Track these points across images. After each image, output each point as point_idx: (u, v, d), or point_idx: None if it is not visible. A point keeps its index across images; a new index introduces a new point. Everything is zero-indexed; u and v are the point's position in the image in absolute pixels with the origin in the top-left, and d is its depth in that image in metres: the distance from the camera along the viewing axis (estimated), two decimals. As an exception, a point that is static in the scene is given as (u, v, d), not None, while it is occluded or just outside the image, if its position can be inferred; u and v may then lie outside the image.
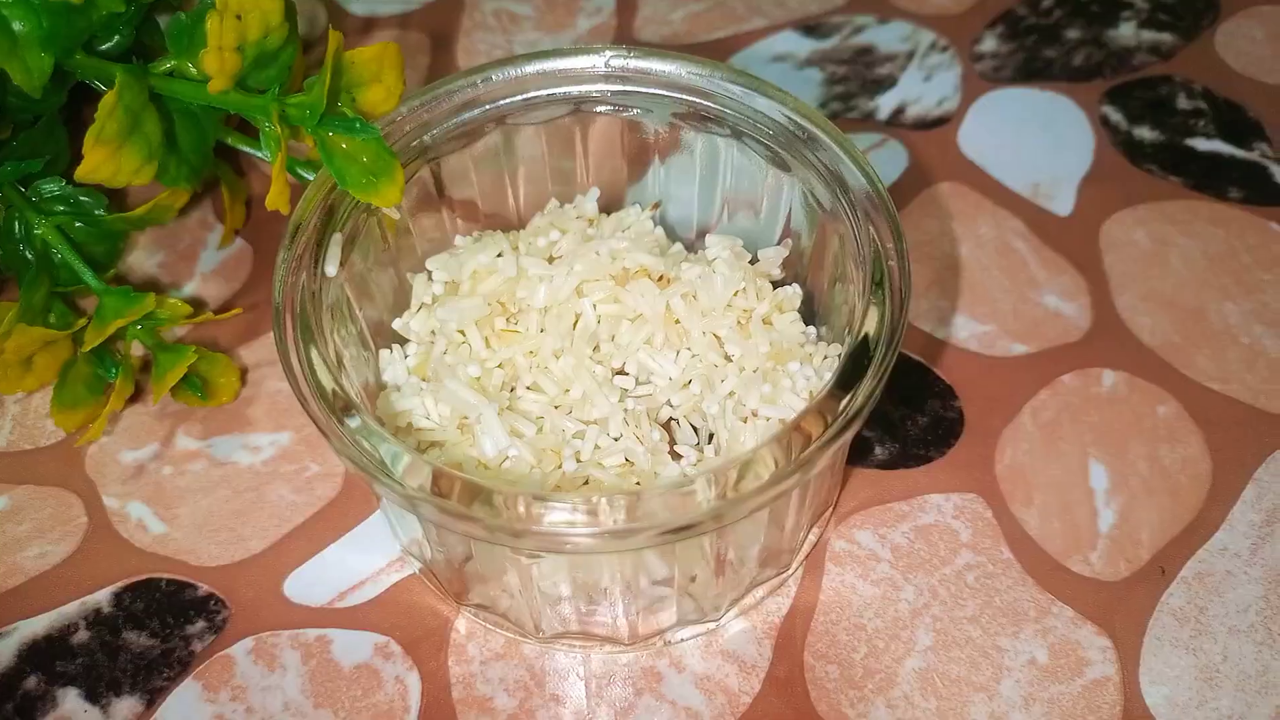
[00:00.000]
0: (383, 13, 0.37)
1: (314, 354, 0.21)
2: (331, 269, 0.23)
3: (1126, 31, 0.37)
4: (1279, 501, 0.26)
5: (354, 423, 0.20)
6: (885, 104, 0.35)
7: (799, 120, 0.25)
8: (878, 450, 0.27)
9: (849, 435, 0.21)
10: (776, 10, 0.37)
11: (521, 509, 0.19)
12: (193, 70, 0.24)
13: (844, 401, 0.21)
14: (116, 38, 0.25)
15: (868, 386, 0.21)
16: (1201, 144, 0.34)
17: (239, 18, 0.21)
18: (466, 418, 0.24)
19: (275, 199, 0.22)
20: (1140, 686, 0.24)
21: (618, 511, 0.19)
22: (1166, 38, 0.37)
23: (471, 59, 0.36)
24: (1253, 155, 0.33)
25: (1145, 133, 0.34)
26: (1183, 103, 0.35)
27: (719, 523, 0.20)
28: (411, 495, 0.20)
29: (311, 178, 0.27)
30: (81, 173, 0.22)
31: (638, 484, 0.23)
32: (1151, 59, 0.36)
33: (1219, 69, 0.36)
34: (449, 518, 0.19)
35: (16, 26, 0.22)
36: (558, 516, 0.19)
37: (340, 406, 0.20)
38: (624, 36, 0.37)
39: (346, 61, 0.23)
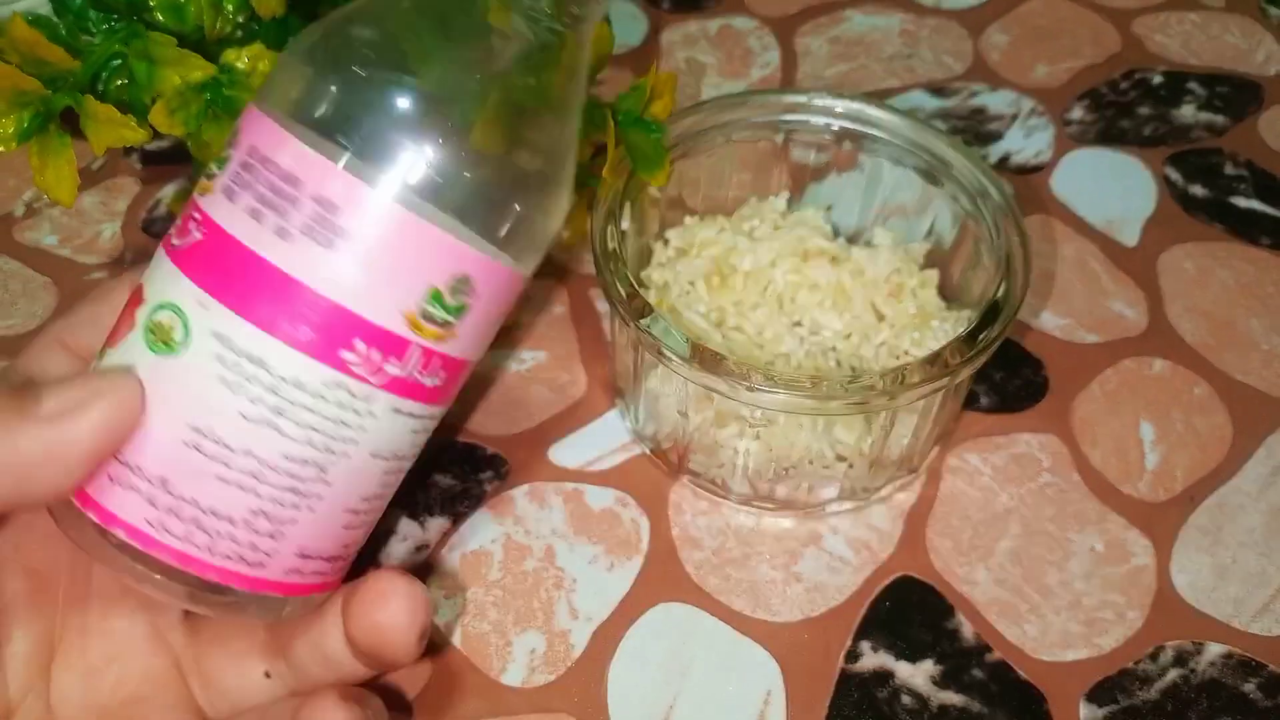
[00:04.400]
0: (602, 53, 0.48)
1: (616, 273, 0.31)
2: (625, 224, 0.33)
3: (1187, 112, 0.46)
4: (1282, 462, 0.35)
5: (645, 320, 0.30)
6: (994, 152, 0.44)
7: (951, 151, 0.34)
8: (984, 400, 0.36)
9: (980, 361, 0.30)
10: (908, 74, 0.48)
11: (756, 375, 0.29)
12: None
13: (979, 339, 0.30)
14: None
15: (996, 330, 0.30)
16: (1241, 201, 0.43)
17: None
18: (699, 339, 0.33)
19: (609, 170, 0.32)
20: (1170, 573, 0.32)
21: (818, 384, 0.29)
22: (1219, 119, 0.46)
23: (667, 93, 0.47)
24: (1281, 214, 0.43)
25: (1198, 190, 0.43)
26: (1229, 169, 0.44)
27: (890, 404, 0.29)
28: (685, 360, 0.29)
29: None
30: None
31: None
32: (1206, 134, 0.46)
33: (1260, 146, 0.45)
34: (708, 376, 0.29)
35: None
36: (778, 380, 0.29)
37: (638, 307, 0.30)
38: (786, 85, 0.47)
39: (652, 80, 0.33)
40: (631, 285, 0.30)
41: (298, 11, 0.33)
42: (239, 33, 0.33)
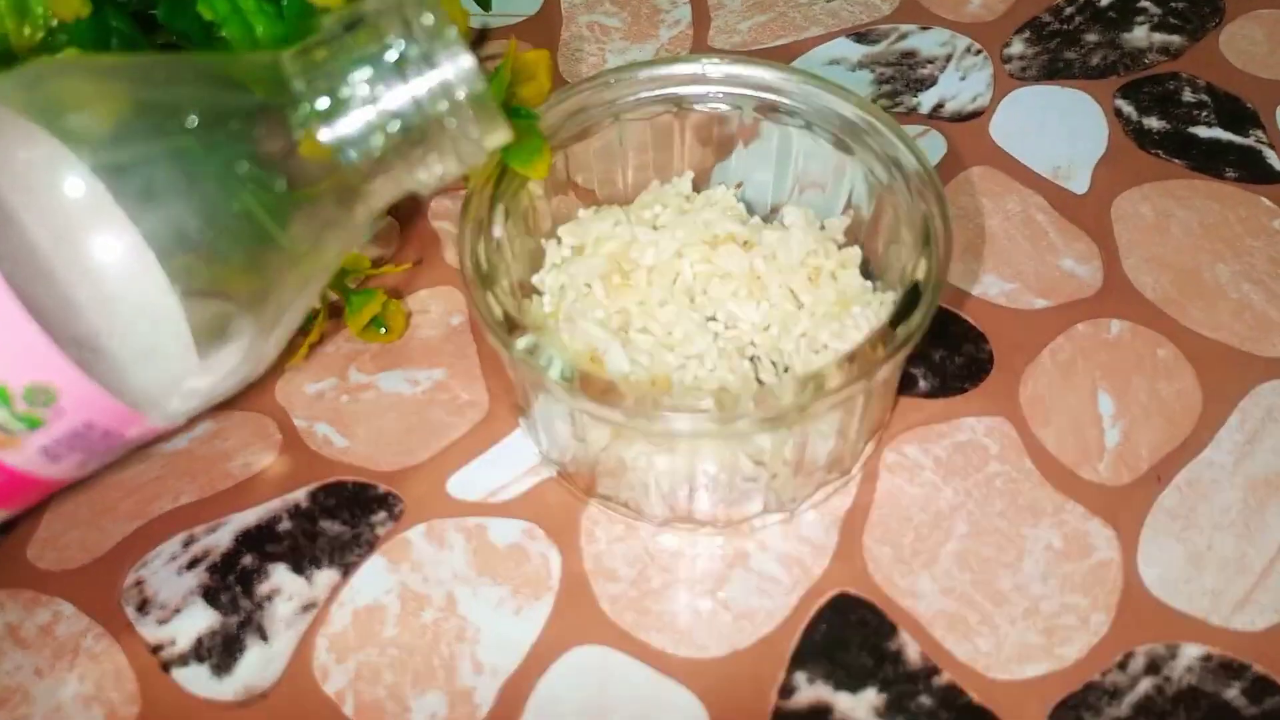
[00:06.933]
0: (495, 25, 0.44)
1: (490, 293, 0.27)
2: (498, 232, 0.29)
3: (1139, 34, 0.42)
4: (1259, 426, 0.32)
5: (524, 342, 0.26)
6: (926, 100, 0.40)
7: (860, 113, 0.31)
8: (922, 383, 0.33)
9: (902, 355, 0.27)
10: (830, 20, 0.43)
11: (650, 401, 0.25)
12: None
13: (899, 329, 0.27)
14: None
15: (918, 318, 0.27)
16: (1203, 131, 0.39)
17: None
18: (596, 349, 0.30)
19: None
20: (1138, 567, 0.29)
21: (723, 405, 0.25)
22: (1175, 39, 0.42)
23: (570, 64, 0.43)
24: (1249, 141, 0.39)
25: (1153, 122, 0.39)
26: (1188, 96, 0.40)
27: (802, 418, 0.26)
28: (569, 391, 0.26)
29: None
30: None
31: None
32: (1161, 58, 0.42)
33: (1221, 66, 0.41)
34: (596, 407, 0.25)
35: (259, 31, 0.28)
36: (677, 406, 0.25)
37: (513, 329, 0.27)
38: (699, 45, 0.43)
39: (515, 62, 0.29)
40: (503, 308, 0.27)
41: (110, 5, 0.30)
42: (62, 38, 0.29)
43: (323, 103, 0.22)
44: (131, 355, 0.21)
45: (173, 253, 0.21)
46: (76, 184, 0.20)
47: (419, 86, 0.22)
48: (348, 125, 0.22)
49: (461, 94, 0.22)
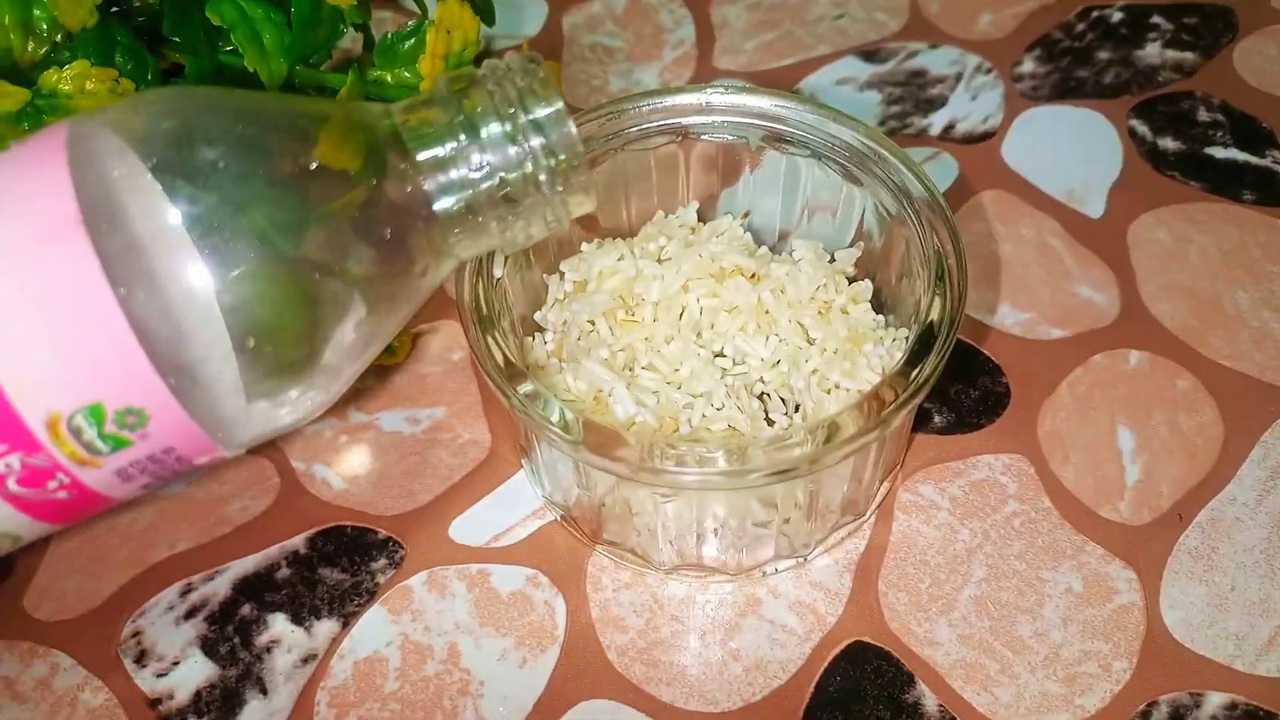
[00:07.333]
0: (497, 46, 0.43)
1: (490, 337, 0.26)
2: (498, 272, 0.28)
3: (1152, 51, 0.41)
4: (1282, 460, 0.31)
5: (525, 388, 0.26)
6: (937, 121, 0.39)
7: (868, 142, 0.30)
8: (937, 419, 0.32)
9: (917, 401, 0.26)
10: (838, 38, 0.42)
11: (657, 452, 0.25)
12: (389, 79, 0.30)
13: (913, 374, 0.26)
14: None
15: (932, 362, 0.26)
16: (1219, 152, 0.38)
17: (449, 32, 0.27)
18: (600, 390, 0.29)
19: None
20: (1160, 610, 0.28)
21: (734, 457, 0.25)
22: (1189, 56, 0.41)
23: (572, 87, 0.42)
24: (1265, 161, 0.38)
25: (1168, 143, 0.39)
26: (1202, 115, 0.39)
27: (814, 468, 0.25)
28: (571, 442, 0.25)
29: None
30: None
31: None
32: (1175, 76, 0.41)
33: (1236, 84, 0.40)
34: (600, 459, 0.25)
35: (266, 39, 0.28)
36: (686, 459, 0.25)
37: (514, 376, 0.26)
38: (704, 66, 0.42)
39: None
40: (504, 352, 0.26)
41: (114, 17, 0.29)
42: (66, 53, 0.28)
43: (428, 159, 0.23)
44: (225, 388, 0.22)
45: (253, 299, 0.21)
46: (175, 215, 0.20)
47: (522, 151, 0.23)
48: (450, 182, 0.23)
49: (559, 162, 0.23)
